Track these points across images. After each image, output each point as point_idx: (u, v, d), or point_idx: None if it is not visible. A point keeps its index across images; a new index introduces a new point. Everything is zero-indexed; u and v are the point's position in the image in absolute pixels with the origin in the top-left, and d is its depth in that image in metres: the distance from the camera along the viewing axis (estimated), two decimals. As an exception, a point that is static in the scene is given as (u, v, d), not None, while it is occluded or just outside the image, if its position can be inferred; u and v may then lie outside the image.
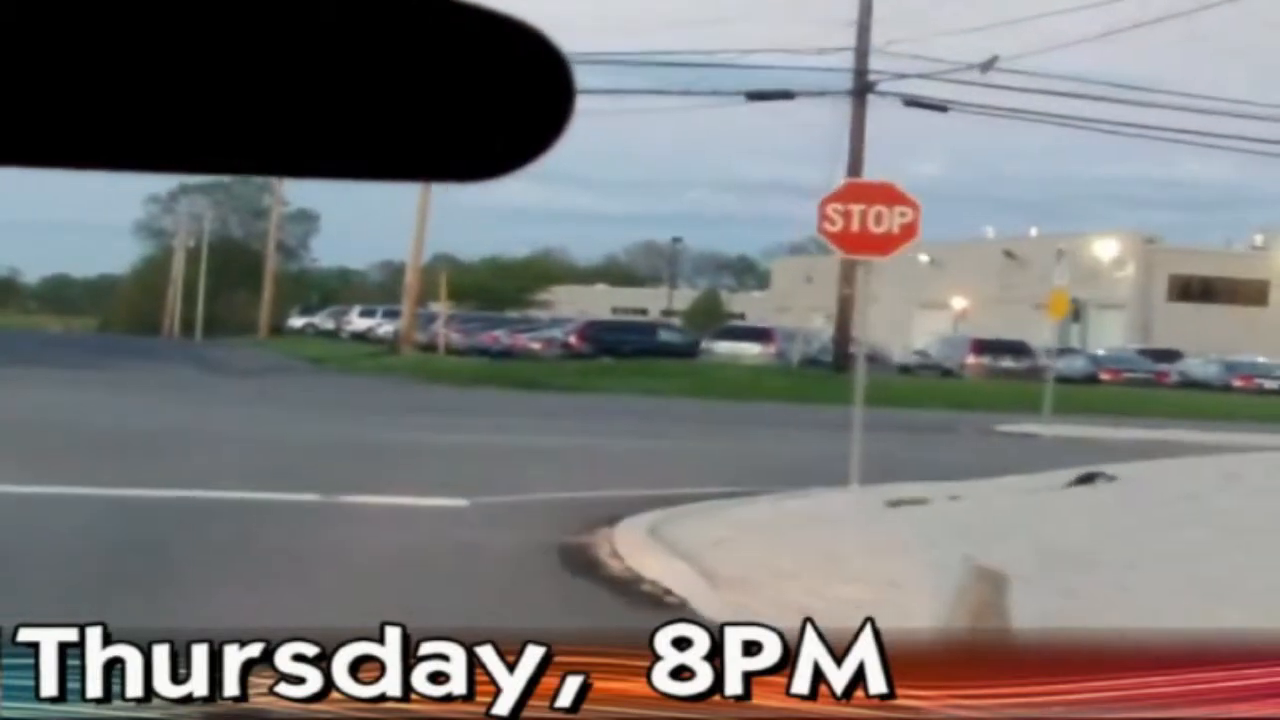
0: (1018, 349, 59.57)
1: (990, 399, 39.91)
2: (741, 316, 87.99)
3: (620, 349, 52.15)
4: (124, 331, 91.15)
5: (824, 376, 44.82)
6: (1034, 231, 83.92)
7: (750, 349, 56.07)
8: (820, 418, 28.14)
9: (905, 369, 57.61)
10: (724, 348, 56.85)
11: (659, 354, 51.58)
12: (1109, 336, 73.77)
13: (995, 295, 77.84)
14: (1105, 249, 77.62)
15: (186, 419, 24.43)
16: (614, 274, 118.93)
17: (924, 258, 78.80)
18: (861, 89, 45.23)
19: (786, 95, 45.66)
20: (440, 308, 59.78)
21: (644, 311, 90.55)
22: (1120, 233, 79.94)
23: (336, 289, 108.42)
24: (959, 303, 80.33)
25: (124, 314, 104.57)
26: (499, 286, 75.35)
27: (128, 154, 1.27)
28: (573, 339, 55.02)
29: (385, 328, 68.25)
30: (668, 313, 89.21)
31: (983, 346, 60.42)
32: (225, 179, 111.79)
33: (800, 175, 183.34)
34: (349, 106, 1.26)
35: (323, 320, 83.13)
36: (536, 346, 55.23)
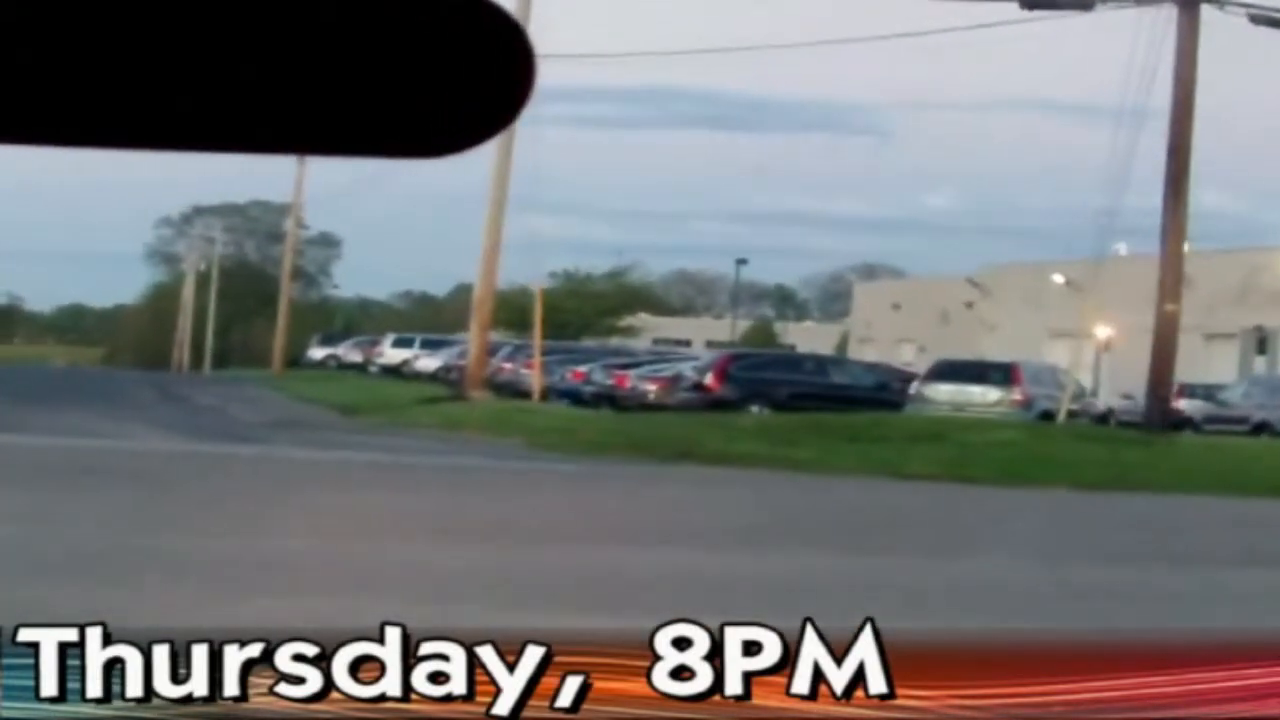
0: None
1: None
2: (793, 348, 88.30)
3: (774, 393, 43.43)
4: (131, 363, 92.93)
5: (1139, 440, 35.00)
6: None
7: (984, 394, 46.19)
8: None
9: (1182, 424, 45.47)
10: (944, 393, 46.22)
11: (834, 400, 41.82)
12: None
13: (1150, 323, 73.37)
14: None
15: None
16: (646, 303, 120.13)
17: (1059, 278, 76.09)
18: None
19: (1082, 3, 37.94)
20: (513, 336, 54.91)
21: (687, 343, 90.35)
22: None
23: (357, 319, 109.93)
24: (1102, 331, 76.70)
25: (132, 344, 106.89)
26: (576, 310, 70.06)
27: (82, 129, 1.40)
28: (710, 379, 45.45)
29: (425, 361, 66.52)
30: (712, 344, 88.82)
31: None
32: (240, 200, 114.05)
33: (823, 207, 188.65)
34: (309, 82, 1.39)
35: (347, 351, 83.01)
36: (651, 389, 46.09)
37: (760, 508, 22.16)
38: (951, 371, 49.93)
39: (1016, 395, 47.00)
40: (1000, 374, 49.26)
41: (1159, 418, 37.36)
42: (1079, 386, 50.27)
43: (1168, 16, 36.80)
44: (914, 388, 48.94)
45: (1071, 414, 45.35)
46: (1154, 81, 37.82)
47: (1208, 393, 52.13)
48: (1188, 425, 46.00)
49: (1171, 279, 38.11)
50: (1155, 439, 35.31)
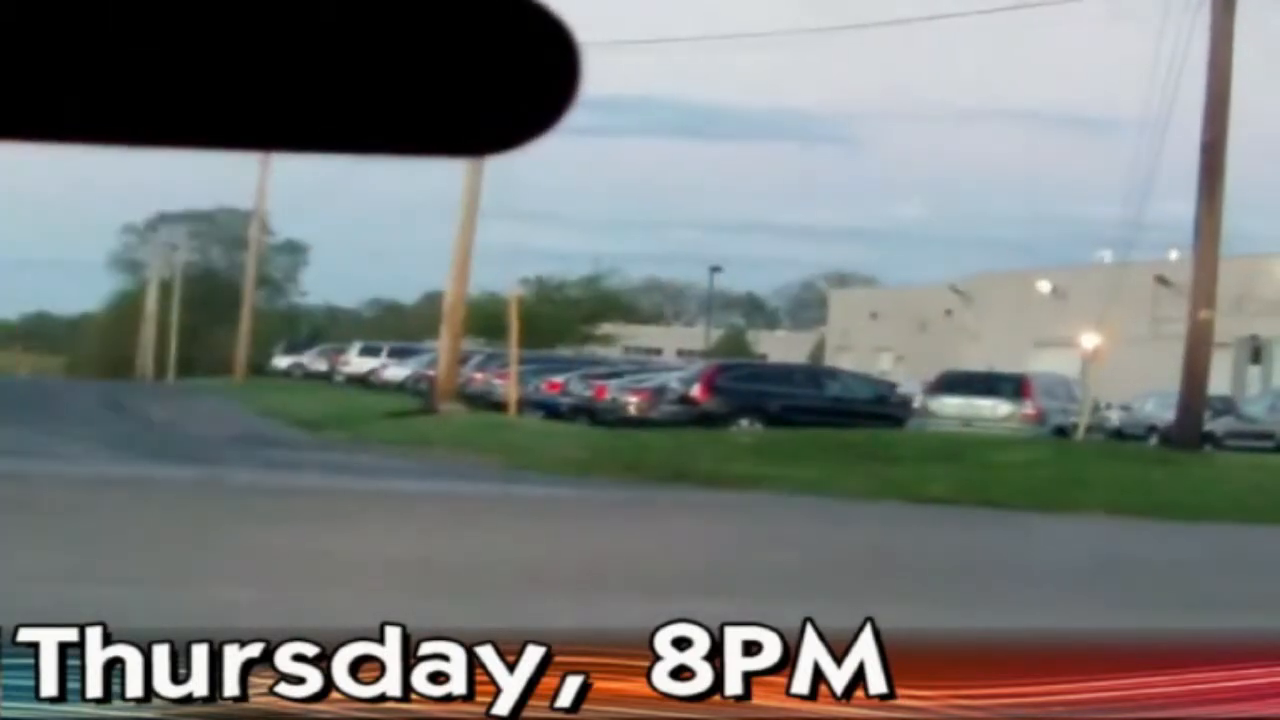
0: None
1: None
2: (764, 357, 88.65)
3: (765, 407, 42.07)
4: (95, 372, 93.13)
5: (1171, 459, 32.42)
6: (1174, 255, 79.94)
7: (994, 408, 44.59)
8: None
9: (1203, 439, 40.24)
10: (951, 406, 44.81)
11: (830, 414, 40.42)
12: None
13: (1142, 331, 72.55)
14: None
15: None
16: (621, 310, 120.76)
17: (1044, 285, 75.73)
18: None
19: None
20: (483, 344, 54.62)
21: (659, 352, 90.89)
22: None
23: (325, 327, 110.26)
24: (1089, 340, 75.05)
25: (96, 353, 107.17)
26: (550, 317, 70.11)
27: (149, 129, 1.43)
28: (697, 391, 43.81)
29: (392, 370, 66.82)
30: (684, 353, 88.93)
31: None
32: (206, 206, 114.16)
33: (794, 216, 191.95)
34: (360, 82, 1.42)
35: (312, 360, 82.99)
36: (633, 401, 44.58)
37: (777, 541, 19.57)
38: (959, 384, 47.86)
39: (1028, 409, 45.23)
40: (1010, 386, 47.25)
41: (1191, 434, 34.95)
42: (1095, 400, 48.47)
43: (1198, 4, 35.20)
44: (918, 400, 47.13)
45: (1092, 429, 43.87)
46: (1170, 80, 36.68)
47: (1224, 405, 49.49)
48: (1208, 441, 42.57)
49: (1206, 284, 35.10)
50: (1188, 457, 33.03)
